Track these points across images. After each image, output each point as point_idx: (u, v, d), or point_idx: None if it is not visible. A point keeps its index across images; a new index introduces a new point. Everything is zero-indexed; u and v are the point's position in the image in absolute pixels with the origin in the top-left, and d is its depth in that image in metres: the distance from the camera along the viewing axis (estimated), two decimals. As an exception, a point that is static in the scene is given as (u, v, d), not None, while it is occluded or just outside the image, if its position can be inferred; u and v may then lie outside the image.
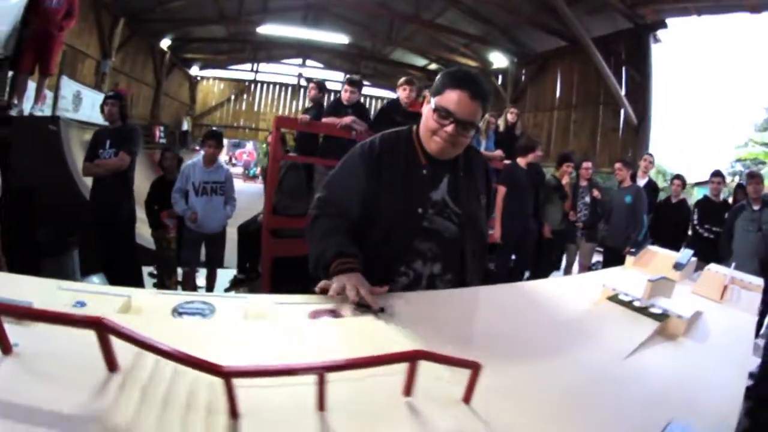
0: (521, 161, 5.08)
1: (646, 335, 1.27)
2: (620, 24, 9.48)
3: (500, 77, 13.61)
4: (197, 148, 16.15)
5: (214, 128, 5.41)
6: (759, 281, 2.13)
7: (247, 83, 19.47)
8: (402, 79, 4.75)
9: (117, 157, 4.14)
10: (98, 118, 10.14)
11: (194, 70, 18.35)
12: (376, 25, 14.19)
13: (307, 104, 5.84)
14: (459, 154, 1.59)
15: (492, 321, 1.29)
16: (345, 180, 1.58)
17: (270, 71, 19.40)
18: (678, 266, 2.08)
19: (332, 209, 1.53)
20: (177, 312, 1.05)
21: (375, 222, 1.53)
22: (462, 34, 12.34)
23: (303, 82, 18.16)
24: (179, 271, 4.84)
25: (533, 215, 5.23)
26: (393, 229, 1.51)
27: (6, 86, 5.93)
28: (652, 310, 1.43)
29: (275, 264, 4.12)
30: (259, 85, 19.48)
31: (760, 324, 3.99)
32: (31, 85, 6.05)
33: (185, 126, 16.59)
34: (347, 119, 4.34)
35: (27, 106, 6.04)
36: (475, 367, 0.74)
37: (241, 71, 19.58)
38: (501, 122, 6.04)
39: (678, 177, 6.21)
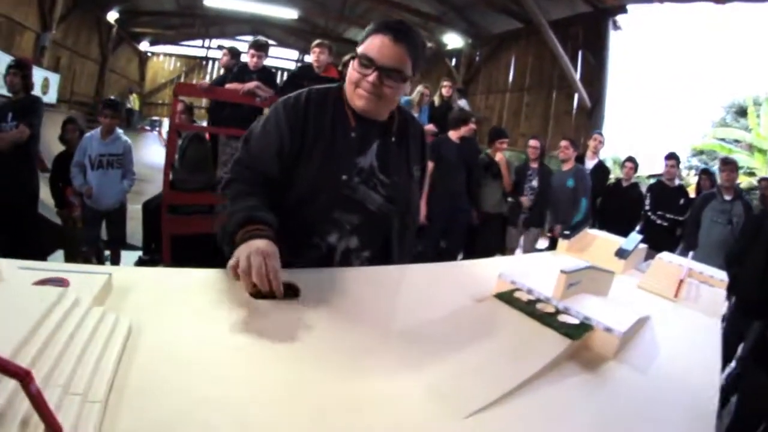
0: (453, 135, 4.67)
1: (541, 363, 0.86)
2: (579, 7, 9.33)
3: (454, 59, 13.43)
4: (146, 128, 15.60)
5: (112, 97, 5.05)
6: (722, 275, 1.78)
7: (198, 60, 18.93)
8: (315, 42, 4.56)
9: (17, 129, 3.80)
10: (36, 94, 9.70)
11: (144, 46, 17.83)
12: (330, 1, 13.87)
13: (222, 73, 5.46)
14: (393, 118, 1.45)
15: (361, 303, 1.08)
16: (265, 137, 1.38)
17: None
18: (622, 253, 1.76)
19: (247, 172, 1.34)
20: None
21: (292, 185, 1.36)
22: (417, 12, 12.03)
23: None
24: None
25: (466, 194, 4.80)
26: (311, 195, 1.35)
27: None
28: (565, 318, 1.03)
29: (178, 243, 3.88)
30: (211, 62, 19.05)
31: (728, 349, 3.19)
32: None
33: (130, 104, 15.86)
34: (250, 84, 4.11)
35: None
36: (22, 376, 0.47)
37: (193, 47, 19.10)
38: (436, 98, 5.81)
39: (630, 159, 5.66)
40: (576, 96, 9.59)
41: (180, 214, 4.00)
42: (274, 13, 13.45)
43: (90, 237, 4.33)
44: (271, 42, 18.30)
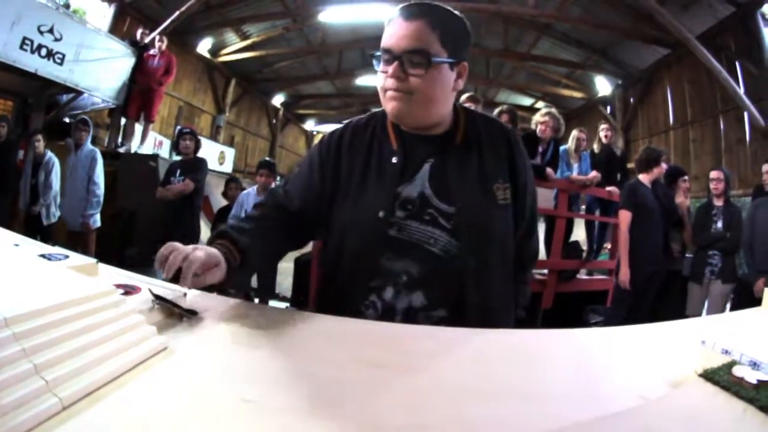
0: (644, 178, 3.94)
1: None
2: (720, 11, 8.22)
3: (608, 107, 12.70)
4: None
5: (267, 159, 5.65)
6: None
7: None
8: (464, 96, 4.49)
9: (183, 182, 4.51)
10: (213, 165, 11.54)
11: (309, 125, 19.67)
12: (474, 67, 14.13)
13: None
14: (458, 125, 1.14)
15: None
16: (297, 172, 1.22)
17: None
18: None
19: (269, 199, 1.22)
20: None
21: (330, 234, 1.14)
22: (559, 62, 11.89)
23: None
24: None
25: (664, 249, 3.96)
26: (347, 241, 1.09)
27: (119, 129, 7.34)
28: None
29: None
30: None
31: None
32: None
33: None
34: None
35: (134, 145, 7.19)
36: None
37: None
38: (596, 144, 5.32)
39: None
40: (746, 117, 8.23)
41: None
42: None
43: (238, 285, 4.73)
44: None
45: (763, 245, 3.84)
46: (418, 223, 1.06)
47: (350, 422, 0.56)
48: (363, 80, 14.37)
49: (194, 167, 4.63)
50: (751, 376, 0.68)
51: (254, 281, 4.75)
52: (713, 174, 4.33)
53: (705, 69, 8.42)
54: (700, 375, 0.72)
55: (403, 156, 1.10)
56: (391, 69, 1.03)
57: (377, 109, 1.18)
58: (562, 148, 4.83)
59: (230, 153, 13.19)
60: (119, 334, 0.66)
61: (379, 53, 1.06)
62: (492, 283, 1.09)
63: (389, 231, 1.05)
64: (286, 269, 4.95)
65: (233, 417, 0.55)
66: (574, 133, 5.05)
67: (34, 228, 4.85)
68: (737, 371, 0.70)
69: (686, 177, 4.57)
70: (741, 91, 8.12)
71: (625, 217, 3.78)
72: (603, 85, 12.27)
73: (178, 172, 4.58)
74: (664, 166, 4.08)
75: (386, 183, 1.08)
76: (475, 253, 1.06)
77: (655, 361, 0.81)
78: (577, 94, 13.01)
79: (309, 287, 4.12)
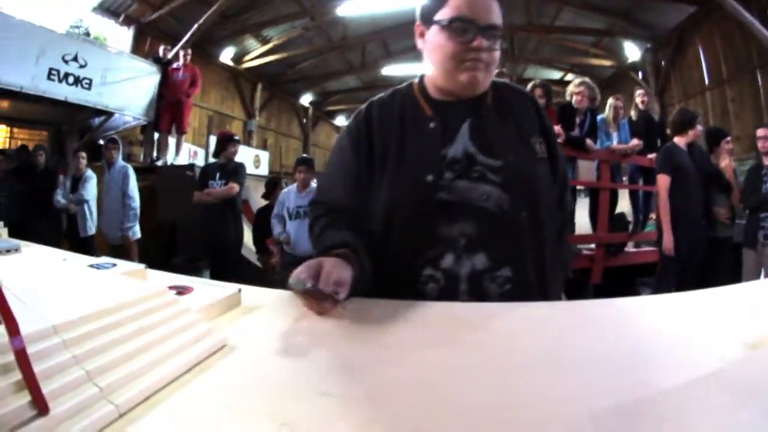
0: (680, 141, 3.80)
1: None
2: None
3: (640, 73, 12.19)
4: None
5: (305, 155, 5.69)
6: None
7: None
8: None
9: (226, 186, 4.58)
10: (250, 169, 11.77)
11: (340, 121, 19.70)
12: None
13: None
14: (483, 91, 1.13)
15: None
16: (331, 169, 1.20)
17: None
18: None
19: (320, 209, 1.16)
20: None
21: (373, 213, 1.10)
22: (584, 31, 11.55)
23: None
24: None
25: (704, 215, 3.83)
26: (396, 215, 1.06)
27: (153, 144, 7.46)
28: None
29: None
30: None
31: None
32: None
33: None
34: None
35: (169, 158, 7.39)
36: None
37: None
38: (633, 111, 5.07)
39: None
40: None
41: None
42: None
43: (286, 279, 4.80)
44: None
45: None
46: (467, 182, 1.04)
47: (438, 407, 0.53)
48: (388, 70, 14.25)
49: (235, 171, 4.70)
50: None
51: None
52: (760, 132, 4.01)
53: (737, 22, 7.99)
54: None
55: (440, 119, 1.10)
56: (477, 41, 1.03)
57: (395, 87, 1.20)
58: (599, 117, 4.69)
59: (265, 156, 13.42)
60: (174, 334, 0.64)
61: (443, 23, 1.05)
62: (544, 236, 1.08)
63: (440, 195, 1.03)
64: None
65: (311, 411, 0.52)
66: (611, 101, 4.86)
67: (72, 244, 5.01)
68: None
69: (729, 138, 4.29)
70: (779, 41, 7.67)
71: (663, 181, 3.66)
72: (632, 51, 11.82)
73: (218, 175, 4.64)
74: (699, 128, 3.90)
75: (428, 147, 1.07)
76: (527, 205, 1.04)
77: (730, 324, 0.76)
78: (607, 63, 12.63)
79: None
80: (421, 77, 1.18)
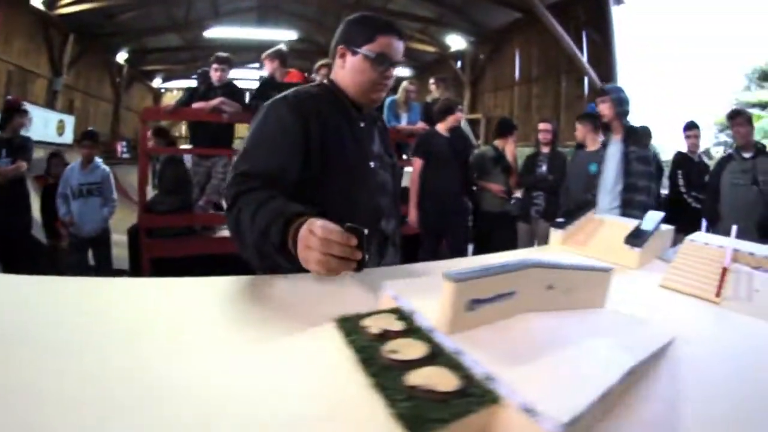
0: (441, 127, 4.17)
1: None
2: None
3: (459, 62, 13.27)
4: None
5: (90, 129, 5.22)
6: None
7: (212, 89, 19.44)
8: (265, 53, 4.45)
9: (14, 164, 4.03)
10: (52, 137, 10.09)
11: (157, 82, 18.16)
12: (327, 19, 13.83)
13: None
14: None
15: None
16: (270, 141, 1.25)
17: (233, 77, 19.35)
18: (635, 239, 1.25)
19: (256, 181, 1.15)
20: None
21: (326, 184, 1.28)
22: (415, 18, 11.97)
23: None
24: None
25: (463, 192, 4.30)
26: (352, 188, 1.34)
27: None
28: (441, 374, 0.52)
29: (160, 266, 3.91)
30: (224, 89, 19.46)
31: None
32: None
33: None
34: (214, 101, 4.05)
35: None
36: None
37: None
38: (429, 97, 5.43)
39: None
40: (586, 79, 9.25)
41: (161, 237, 4.06)
42: (274, 37, 13.59)
43: (75, 263, 4.43)
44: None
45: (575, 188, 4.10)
46: (383, 171, 1.46)
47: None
48: (213, 32, 13.36)
49: (22, 146, 4.17)
50: (390, 325, 0.65)
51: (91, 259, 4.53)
52: (541, 126, 4.67)
53: (552, 35, 9.10)
54: (338, 320, 0.69)
55: (366, 123, 1.44)
56: (390, 71, 1.36)
57: (309, 85, 1.44)
58: (389, 99, 4.92)
59: (70, 121, 11.57)
60: None
61: (374, 56, 1.33)
62: (399, 210, 1.59)
63: (376, 177, 1.42)
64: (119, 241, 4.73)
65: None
66: (404, 84, 5.09)
67: None
68: (380, 320, 0.67)
69: (512, 129, 4.84)
70: (584, 58, 9.08)
71: (416, 164, 4.06)
72: (456, 42, 12.66)
73: (3, 152, 4.07)
74: (459, 114, 4.30)
75: (363, 142, 1.41)
76: (395, 190, 1.53)
77: (348, 300, 0.85)
78: (430, 48, 13.35)
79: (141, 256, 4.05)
80: (332, 82, 1.43)
